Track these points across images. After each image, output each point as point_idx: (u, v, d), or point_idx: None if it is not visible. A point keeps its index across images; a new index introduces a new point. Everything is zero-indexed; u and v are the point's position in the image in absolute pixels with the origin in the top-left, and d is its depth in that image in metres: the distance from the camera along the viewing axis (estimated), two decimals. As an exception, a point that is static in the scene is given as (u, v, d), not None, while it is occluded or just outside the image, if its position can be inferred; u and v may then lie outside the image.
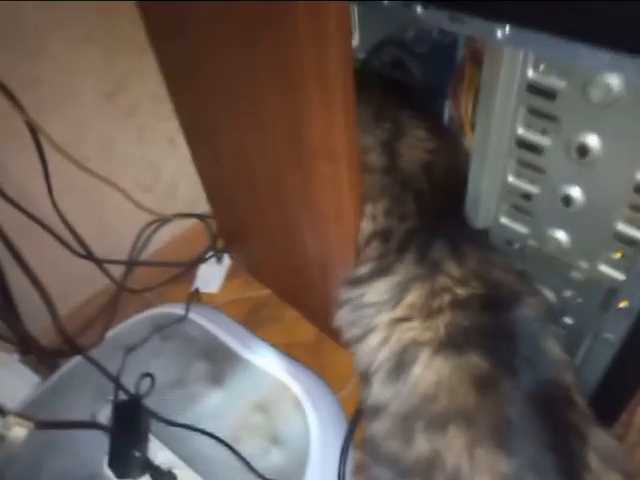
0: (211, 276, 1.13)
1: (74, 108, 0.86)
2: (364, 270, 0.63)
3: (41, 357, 0.85)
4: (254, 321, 1.02)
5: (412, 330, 0.56)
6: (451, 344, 0.54)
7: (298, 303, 1.00)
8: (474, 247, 0.60)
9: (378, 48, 0.76)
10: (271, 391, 0.82)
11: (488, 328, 0.54)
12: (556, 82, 0.47)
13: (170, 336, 0.89)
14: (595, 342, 0.61)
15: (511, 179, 0.57)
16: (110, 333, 0.89)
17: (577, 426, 0.51)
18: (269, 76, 0.60)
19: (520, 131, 0.53)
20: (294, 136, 0.62)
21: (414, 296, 0.57)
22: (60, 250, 0.89)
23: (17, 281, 0.83)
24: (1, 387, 0.79)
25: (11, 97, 0.74)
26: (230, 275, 1.14)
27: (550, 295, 0.64)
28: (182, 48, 0.74)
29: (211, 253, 1.14)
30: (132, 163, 0.97)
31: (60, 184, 0.85)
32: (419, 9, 0.51)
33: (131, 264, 1.03)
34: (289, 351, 0.91)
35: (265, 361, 0.85)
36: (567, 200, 0.52)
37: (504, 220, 0.61)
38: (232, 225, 1.04)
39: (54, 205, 0.85)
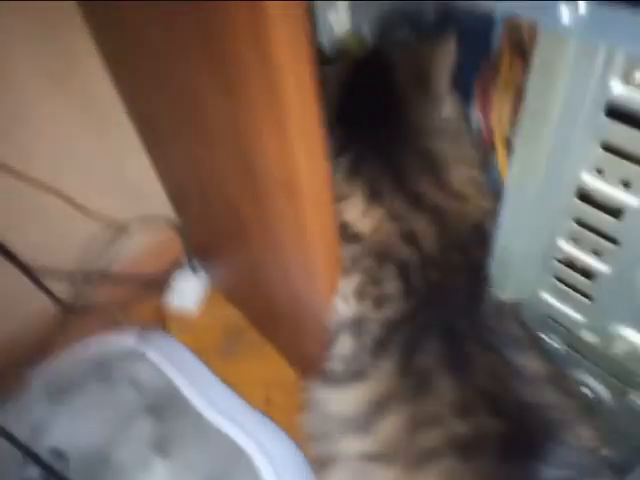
0: (188, 291, 0.96)
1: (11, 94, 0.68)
2: (337, 366, 0.44)
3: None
4: (230, 351, 0.87)
5: None
6: None
7: (273, 341, 0.81)
8: (487, 345, 0.39)
9: (383, 30, 0.55)
10: (228, 460, 0.65)
11: None
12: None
13: (115, 377, 0.72)
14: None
15: (564, 244, 0.36)
16: (40, 372, 0.73)
17: None
18: (204, 65, 0.40)
19: (587, 176, 0.32)
20: (244, 157, 0.43)
21: (392, 425, 0.38)
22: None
23: None
24: None
25: None
26: (211, 292, 0.96)
27: (603, 392, 0.45)
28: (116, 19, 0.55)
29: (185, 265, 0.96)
30: (86, 160, 0.80)
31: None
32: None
33: (81, 278, 0.86)
34: (266, 393, 0.79)
35: (225, 420, 0.68)
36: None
37: (547, 297, 0.41)
38: (200, 238, 0.85)
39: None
